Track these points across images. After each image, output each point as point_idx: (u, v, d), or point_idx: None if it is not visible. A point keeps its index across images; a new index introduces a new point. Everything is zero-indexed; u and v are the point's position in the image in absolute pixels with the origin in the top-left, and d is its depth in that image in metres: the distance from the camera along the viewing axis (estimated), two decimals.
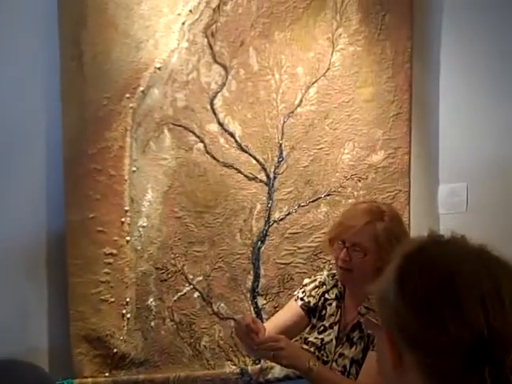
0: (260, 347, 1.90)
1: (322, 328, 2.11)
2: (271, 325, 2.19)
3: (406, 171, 2.60)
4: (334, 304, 2.11)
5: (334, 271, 2.21)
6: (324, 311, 2.12)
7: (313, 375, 1.90)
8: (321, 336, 2.10)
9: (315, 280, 2.21)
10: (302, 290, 2.21)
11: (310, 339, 2.12)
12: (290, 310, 2.20)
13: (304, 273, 2.54)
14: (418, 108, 2.63)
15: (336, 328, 2.08)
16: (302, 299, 2.18)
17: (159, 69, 2.28)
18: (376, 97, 2.53)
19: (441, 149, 2.71)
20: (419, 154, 2.67)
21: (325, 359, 2.07)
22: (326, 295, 2.14)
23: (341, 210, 2.53)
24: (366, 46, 2.49)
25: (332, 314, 2.11)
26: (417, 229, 2.67)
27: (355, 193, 2.56)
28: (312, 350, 2.10)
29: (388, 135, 2.56)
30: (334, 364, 2.03)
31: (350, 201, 2.55)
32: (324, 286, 2.16)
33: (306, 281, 2.25)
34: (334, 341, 2.06)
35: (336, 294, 2.12)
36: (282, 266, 2.51)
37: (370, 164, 2.55)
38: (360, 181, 2.55)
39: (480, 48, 2.68)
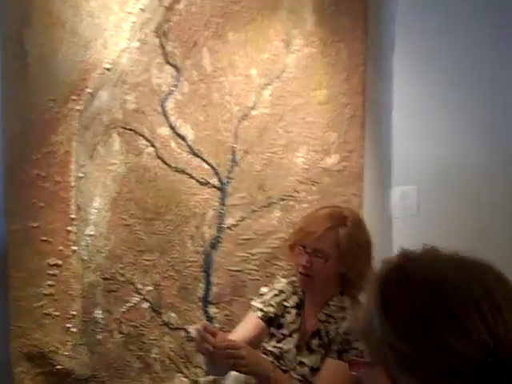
0: (220, 353, 1.85)
1: (281, 336, 2.11)
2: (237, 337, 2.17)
3: (360, 175, 2.61)
4: (294, 312, 2.11)
5: (293, 279, 2.18)
6: (283, 319, 2.13)
7: (271, 381, 1.90)
8: (279, 344, 2.09)
9: (274, 289, 2.18)
10: (261, 300, 2.18)
11: (268, 348, 2.11)
12: (250, 323, 2.17)
13: (257, 280, 2.51)
14: (371, 111, 2.64)
15: (296, 336, 2.09)
16: (261, 310, 2.16)
17: (108, 70, 2.20)
18: (331, 99, 2.52)
19: (393, 152, 2.70)
20: (372, 157, 2.67)
21: (284, 368, 2.09)
22: (285, 303, 2.13)
23: (294, 214, 2.51)
24: (320, 48, 2.49)
25: (292, 322, 2.11)
26: (371, 233, 2.66)
27: (309, 197, 2.54)
28: (271, 359, 2.10)
29: (343, 138, 2.55)
30: (292, 373, 2.00)
31: (304, 205, 2.53)
32: (283, 294, 2.15)
33: (264, 290, 2.22)
34: (293, 349, 2.03)
35: (296, 302, 2.12)
36: (235, 273, 2.48)
37: (325, 168, 2.55)
38: (314, 185, 2.54)
39: (433, 51, 2.69)
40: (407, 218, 2.84)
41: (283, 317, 2.13)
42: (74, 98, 2.17)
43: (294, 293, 2.17)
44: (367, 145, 2.67)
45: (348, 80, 2.57)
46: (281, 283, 2.22)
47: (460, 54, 2.80)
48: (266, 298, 2.20)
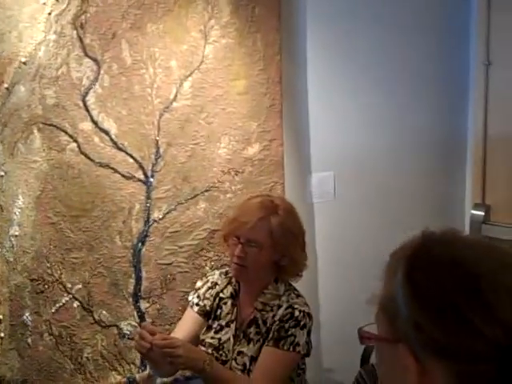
0: (158, 352, 1.89)
1: (218, 327, 2.14)
2: (178, 336, 2.22)
3: (280, 163, 2.67)
4: (230, 302, 2.15)
5: (226, 269, 2.20)
6: (219, 310, 2.16)
7: (206, 376, 1.96)
8: (218, 336, 2.12)
9: (207, 281, 2.21)
10: (196, 294, 2.20)
11: (206, 340, 2.13)
12: (189, 319, 2.21)
13: (186, 272, 2.53)
14: (288, 100, 2.71)
15: (233, 326, 2.15)
16: (197, 304, 2.18)
17: (25, 63, 2.15)
18: (249, 89, 2.58)
19: (311, 139, 2.78)
20: (291, 145, 2.75)
21: (224, 359, 2.14)
22: (221, 294, 2.16)
23: (219, 205, 2.55)
24: (237, 39, 2.54)
25: (228, 313, 2.15)
26: None
27: (233, 187, 2.59)
28: (210, 350, 2.16)
29: (262, 127, 2.60)
30: (233, 362, 2.07)
31: (228, 196, 2.58)
32: (217, 286, 2.18)
33: (199, 284, 2.24)
34: (231, 339, 2.06)
35: (231, 292, 2.14)
36: (164, 266, 2.48)
37: (246, 157, 2.60)
38: (237, 174, 2.59)
39: (346, 40, 2.80)
40: (325, 203, 2.93)
41: (220, 308, 2.18)
42: None
43: (229, 283, 2.20)
44: (286, 133, 2.74)
45: (265, 70, 2.63)
46: (215, 275, 2.25)
47: (375, 44, 2.91)
48: (201, 291, 2.23)
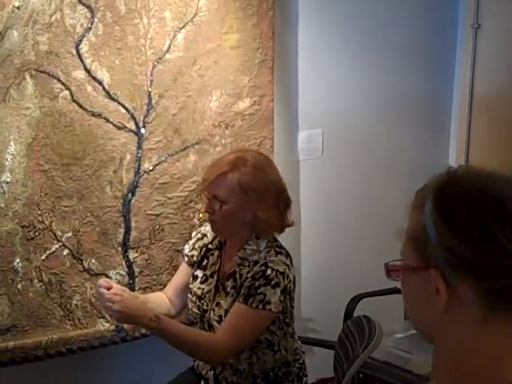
0: (104, 305, 1.96)
1: (204, 278, 2.14)
2: (170, 289, 2.27)
3: (270, 118, 2.68)
4: (216, 254, 2.16)
5: None
6: (206, 261, 2.17)
7: (154, 332, 1.96)
8: (202, 286, 2.15)
9: (198, 232, 2.22)
10: (187, 245, 2.19)
11: (193, 289, 2.16)
12: (182, 270, 2.26)
13: (175, 223, 2.54)
14: (280, 56, 2.69)
15: (215, 277, 2.08)
16: (187, 255, 2.17)
17: (18, 8, 2.12)
18: (242, 43, 2.57)
19: (300, 97, 2.77)
20: (281, 101, 2.74)
21: (204, 308, 2.13)
22: (209, 245, 2.16)
23: (209, 158, 2.57)
24: None
25: (213, 264, 2.17)
26: (281, 174, 2.73)
27: (223, 140, 2.58)
28: (194, 299, 2.18)
29: (254, 82, 2.60)
30: (211, 313, 2.10)
31: (218, 149, 2.58)
32: (205, 238, 2.18)
33: (193, 235, 2.22)
34: (212, 290, 2.06)
35: (216, 244, 2.12)
36: (153, 217, 2.49)
37: (237, 111, 2.60)
38: (227, 128, 2.58)
39: (337, 1, 2.76)
40: (313, 160, 2.94)
41: (207, 259, 2.19)
42: None
43: (216, 236, 2.19)
44: (277, 89, 2.72)
45: (258, 24, 2.61)
46: (206, 227, 2.25)
47: (361, 2, 2.90)
48: (191, 242, 2.24)
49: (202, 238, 2.22)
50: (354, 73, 2.95)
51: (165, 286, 2.44)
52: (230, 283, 2.07)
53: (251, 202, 1.99)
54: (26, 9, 2.12)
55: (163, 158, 2.49)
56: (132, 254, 2.49)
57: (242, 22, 2.57)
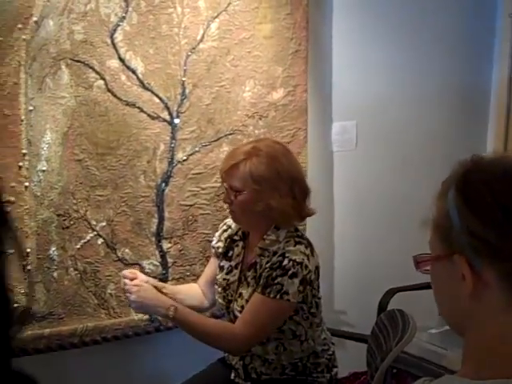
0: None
1: (229, 268, 2.14)
2: (203, 281, 2.26)
3: (304, 109, 2.64)
4: (240, 245, 2.17)
5: None
6: (231, 252, 2.17)
7: (172, 321, 1.99)
8: (228, 276, 2.15)
9: (224, 224, 2.19)
10: (214, 236, 2.18)
11: (219, 280, 2.16)
12: (212, 262, 2.29)
13: (208, 214, 2.52)
14: (313, 46, 2.65)
15: (239, 268, 2.12)
16: (213, 247, 2.17)
17: None
18: (275, 34, 2.54)
19: (334, 88, 2.73)
20: (315, 92, 2.70)
21: (229, 298, 2.15)
22: (234, 237, 2.15)
23: None
24: None
25: (238, 255, 2.19)
26: (314, 166, 2.72)
27: (256, 131, 2.55)
28: (219, 290, 2.17)
29: (287, 73, 2.56)
30: (235, 304, 2.11)
31: (251, 139, 2.49)
32: (230, 229, 2.17)
33: (220, 226, 2.22)
34: (236, 281, 2.04)
35: (240, 235, 2.11)
36: (186, 207, 2.46)
37: (271, 102, 2.56)
38: (261, 119, 2.56)
39: None
40: (346, 152, 2.90)
41: (232, 250, 2.18)
42: (20, 26, 2.07)
43: (240, 227, 2.18)
44: (310, 80, 2.69)
45: (292, 14, 2.57)
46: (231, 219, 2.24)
47: None
48: (217, 233, 2.23)
49: (226, 230, 2.21)
50: (390, 63, 2.89)
51: (198, 276, 2.43)
52: (251, 274, 2.05)
53: (263, 191, 1.95)
54: None
55: (197, 149, 2.47)
56: (165, 245, 2.48)
57: (276, 12, 2.54)
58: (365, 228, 3.00)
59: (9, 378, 0.65)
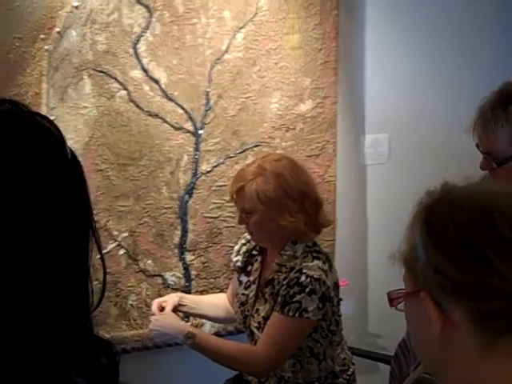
0: None
1: (248, 283, 2.06)
2: (229, 292, 2.23)
3: (333, 121, 2.56)
4: (259, 259, 2.09)
5: None
6: (250, 267, 2.10)
7: (196, 347, 1.93)
8: (246, 291, 2.06)
9: (244, 237, 2.12)
10: (234, 250, 2.13)
11: (239, 295, 2.07)
12: (233, 278, 2.15)
13: (232, 227, 2.46)
14: (344, 57, 2.57)
15: (257, 283, 2.07)
16: (232, 261, 2.12)
17: (76, 8, 2.09)
18: (303, 44, 2.46)
19: (366, 99, 2.63)
20: (346, 103, 2.61)
21: (246, 313, 2.08)
22: (253, 251, 2.08)
23: None
24: None
25: (256, 270, 2.11)
26: (344, 180, 2.62)
27: (283, 143, 2.48)
28: (238, 304, 2.10)
29: (316, 84, 2.48)
30: (251, 319, 2.04)
31: (278, 152, 2.42)
32: (249, 243, 2.09)
33: (240, 240, 2.16)
34: (253, 296, 1.98)
35: (259, 250, 2.05)
36: (210, 219, 2.40)
37: (298, 114, 2.48)
38: (288, 131, 2.47)
39: None
40: (378, 165, 2.80)
41: (251, 264, 2.11)
42: (43, 36, 2.06)
43: None
44: (341, 91, 2.60)
45: (321, 24, 2.49)
46: None
47: (432, 3, 2.74)
48: (236, 247, 2.17)
49: (245, 244, 2.14)
50: (424, 73, 2.77)
51: (221, 290, 2.37)
52: (268, 290, 1.97)
53: (272, 211, 1.89)
54: (85, 8, 2.11)
55: (221, 160, 2.42)
56: (188, 257, 2.42)
57: (304, 22, 2.47)
58: (398, 243, 2.88)
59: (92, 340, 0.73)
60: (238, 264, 2.12)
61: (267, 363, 1.89)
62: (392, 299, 0.86)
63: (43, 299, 0.68)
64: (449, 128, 2.87)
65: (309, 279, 1.86)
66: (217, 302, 2.22)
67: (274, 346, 1.88)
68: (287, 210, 1.89)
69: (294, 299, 1.85)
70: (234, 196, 1.95)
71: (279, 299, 1.89)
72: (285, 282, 1.89)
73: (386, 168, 2.80)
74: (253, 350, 1.94)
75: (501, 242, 0.71)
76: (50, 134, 0.72)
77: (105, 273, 0.80)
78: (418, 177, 2.85)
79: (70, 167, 0.73)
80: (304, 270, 1.88)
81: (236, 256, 2.14)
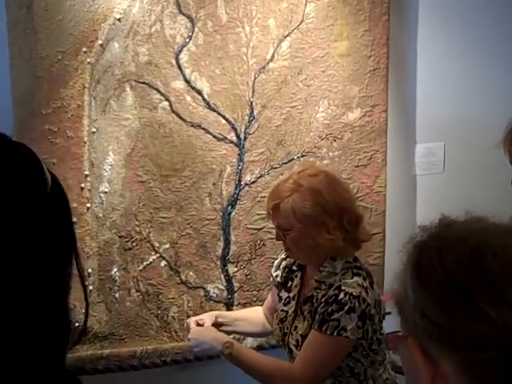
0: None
1: (287, 300, 2.02)
2: (266, 306, 2.18)
3: (383, 130, 2.47)
4: (299, 275, 2.04)
5: None
6: (290, 282, 2.06)
7: (228, 358, 1.89)
8: (286, 308, 2.02)
9: (283, 252, 2.07)
10: (274, 265, 2.09)
11: (278, 311, 2.01)
12: (273, 289, 2.09)
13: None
14: (394, 63, 2.49)
15: (296, 299, 2.01)
16: (271, 275, 2.07)
17: (119, 20, 2.08)
18: (352, 51, 2.38)
19: (418, 107, 2.54)
20: (396, 112, 2.52)
21: (285, 331, 2.01)
22: (293, 267, 2.02)
23: None
24: None
25: (296, 286, 2.04)
26: (395, 191, 2.54)
27: (330, 153, 2.41)
28: (277, 321, 2.04)
29: (364, 92, 2.41)
30: (290, 337, 1.97)
31: (325, 162, 2.41)
32: (289, 258, 2.02)
33: (280, 256, 2.12)
34: (292, 313, 1.96)
35: (298, 266, 2.01)
36: (254, 231, 2.37)
37: (346, 123, 2.41)
38: (335, 140, 2.41)
39: (458, 2, 2.50)
40: (432, 175, 2.70)
41: (291, 280, 2.04)
42: (85, 49, 2.06)
43: None
44: (391, 99, 2.51)
45: (370, 31, 2.41)
46: None
47: (485, 4, 2.62)
48: (276, 262, 2.13)
49: (285, 258, 2.08)
50: (481, 79, 2.64)
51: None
52: (307, 307, 1.91)
53: (309, 229, 1.82)
54: (127, 20, 2.11)
55: (266, 171, 2.38)
56: (231, 269, 2.40)
57: (353, 29, 2.39)
58: None
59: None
60: (278, 279, 2.08)
61: (302, 381, 1.83)
62: (387, 341, 0.79)
63: (17, 325, 0.67)
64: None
65: (348, 297, 1.79)
66: (252, 317, 2.17)
67: (311, 364, 1.82)
68: (325, 228, 1.83)
69: (333, 317, 1.78)
70: (270, 212, 1.91)
71: (317, 317, 1.82)
72: (323, 300, 1.83)
73: (440, 178, 2.69)
74: (289, 367, 1.88)
75: (491, 286, 0.65)
76: (26, 160, 0.71)
77: (86, 299, 0.79)
78: (476, 188, 2.74)
79: (47, 194, 0.72)
80: (343, 287, 1.80)
81: (276, 271, 2.10)
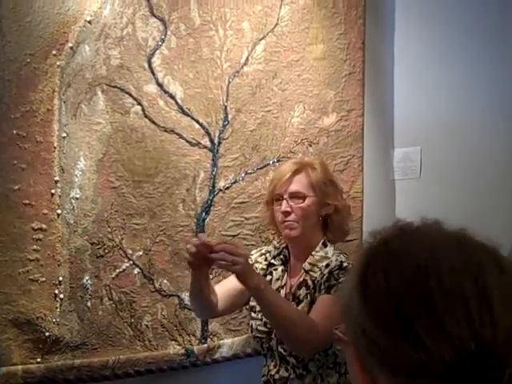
0: (218, 255, 1.76)
1: None
2: (220, 290, 2.10)
3: (359, 135, 2.50)
4: (280, 268, 2.07)
5: (278, 245, 2.12)
6: (270, 277, 2.07)
7: (260, 294, 1.80)
8: None
9: (261, 250, 2.11)
10: (249, 259, 2.07)
11: (258, 307, 2.01)
12: (233, 280, 2.05)
13: (252, 245, 2.42)
14: (371, 67, 2.52)
15: (283, 291, 2.04)
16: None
17: (89, 22, 2.08)
18: (327, 55, 2.41)
19: (395, 111, 2.57)
20: (372, 116, 2.55)
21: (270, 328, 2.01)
22: (273, 261, 2.06)
23: None
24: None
25: (278, 279, 2.06)
26: (371, 196, 2.57)
27: (306, 158, 2.39)
28: (259, 316, 2.04)
29: (340, 96, 2.43)
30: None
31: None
32: (268, 254, 2.09)
33: (253, 252, 2.12)
34: None
35: (281, 259, 2.09)
36: (229, 238, 2.37)
37: (322, 127, 2.43)
38: (311, 145, 2.44)
39: (436, 4, 2.53)
40: (409, 180, 2.73)
41: (270, 274, 2.07)
42: (55, 52, 2.06)
43: (280, 253, 2.11)
44: (367, 103, 2.54)
45: (346, 34, 2.44)
46: (268, 247, 2.17)
47: (462, 6, 2.66)
48: (254, 256, 2.14)
49: (264, 254, 2.11)
50: (459, 83, 2.68)
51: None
52: (302, 292, 1.97)
53: (330, 193, 2.00)
54: (98, 23, 2.11)
55: (240, 177, 2.40)
56: None
57: (328, 32, 2.42)
58: None
59: None
60: (258, 270, 2.07)
61: (321, 335, 1.81)
62: (334, 338, 0.80)
63: None
64: (486, 140, 2.78)
65: (351, 265, 1.90)
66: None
67: (327, 319, 1.78)
68: (340, 193, 2.06)
69: (340, 280, 1.88)
70: (283, 184, 1.98)
71: (322, 287, 1.91)
72: (325, 272, 1.92)
73: (417, 183, 2.73)
74: (312, 319, 1.86)
75: (431, 312, 0.64)
76: None
77: None
78: (453, 194, 2.77)
79: None
80: (343, 260, 1.95)
81: (255, 263, 2.08)
